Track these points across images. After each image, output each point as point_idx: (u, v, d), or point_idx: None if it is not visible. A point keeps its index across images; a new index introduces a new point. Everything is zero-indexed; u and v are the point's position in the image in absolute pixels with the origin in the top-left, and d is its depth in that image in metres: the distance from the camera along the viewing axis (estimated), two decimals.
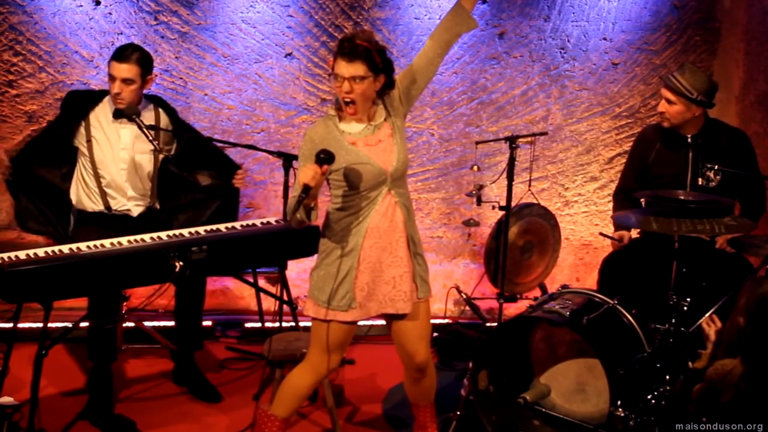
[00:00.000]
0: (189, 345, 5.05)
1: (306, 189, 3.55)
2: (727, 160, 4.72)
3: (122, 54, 4.75)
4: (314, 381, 3.93)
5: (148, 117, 4.84)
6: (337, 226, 3.76)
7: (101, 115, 4.87)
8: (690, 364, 4.07)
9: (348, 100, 3.66)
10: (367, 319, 5.76)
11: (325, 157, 3.57)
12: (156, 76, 4.91)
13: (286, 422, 4.00)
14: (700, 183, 4.73)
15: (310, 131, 3.75)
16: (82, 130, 4.86)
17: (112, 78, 4.75)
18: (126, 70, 4.72)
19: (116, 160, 4.85)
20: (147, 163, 4.90)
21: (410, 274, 3.81)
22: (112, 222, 4.85)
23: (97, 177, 4.85)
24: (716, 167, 4.69)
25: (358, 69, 3.59)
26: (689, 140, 4.77)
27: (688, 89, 4.64)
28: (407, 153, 3.79)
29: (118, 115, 4.76)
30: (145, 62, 4.79)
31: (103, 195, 4.85)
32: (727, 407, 3.36)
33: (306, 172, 3.55)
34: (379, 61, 3.62)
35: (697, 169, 4.75)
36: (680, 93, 4.66)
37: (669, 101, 4.71)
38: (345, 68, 3.60)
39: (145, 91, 4.90)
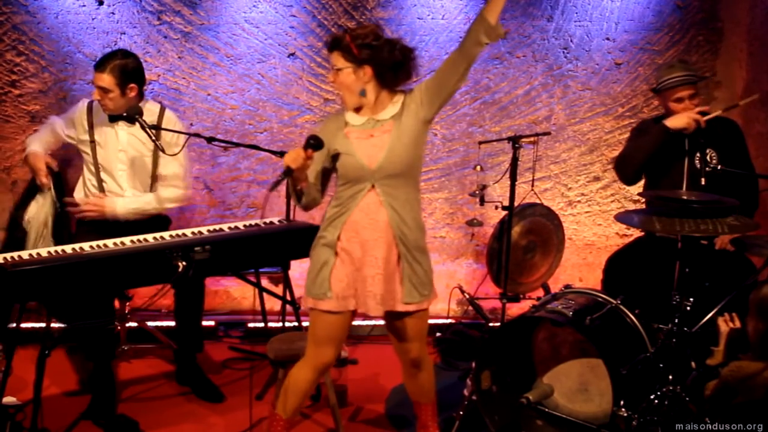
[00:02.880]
0: (189, 347, 5.05)
1: (287, 170, 3.58)
2: (723, 147, 4.76)
3: (101, 62, 4.76)
4: (312, 376, 3.90)
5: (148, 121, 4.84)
6: (327, 215, 3.82)
7: (99, 117, 4.91)
8: (693, 363, 4.07)
9: (335, 88, 3.81)
10: (370, 319, 5.81)
11: (313, 143, 3.61)
12: (136, 87, 4.81)
13: (290, 421, 3.99)
14: (698, 167, 4.75)
15: (326, 117, 3.94)
16: (85, 132, 4.89)
17: (94, 86, 4.79)
18: (101, 79, 4.72)
19: (115, 162, 4.88)
20: (147, 163, 4.91)
21: (384, 276, 3.74)
22: (109, 223, 4.86)
23: (99, 181, 4.88)
24: (712, 153, 4.73)
25: (335, 59, 3.71)
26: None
27: (697, 75, 4.79)
28: (410, 155, 3.70)
29: (114, 118, 4.82)
30: (123, 72, 4.74)
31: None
32: (739, 408, 3.35)
33: (290, 154, 3.59)
34: (357, 53, 3.64)
35: (694, 154, 4.77)
36: (696, 81, 4.79)
37: (693, 96, 4.79)
38: (330, 58, 3.76)
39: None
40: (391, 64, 3.68)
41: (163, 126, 4.87)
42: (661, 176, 4.85)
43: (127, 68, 4.76)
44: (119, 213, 4.84)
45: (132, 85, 4.78)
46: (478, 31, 3.55)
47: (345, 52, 3.66)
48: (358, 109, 3.77)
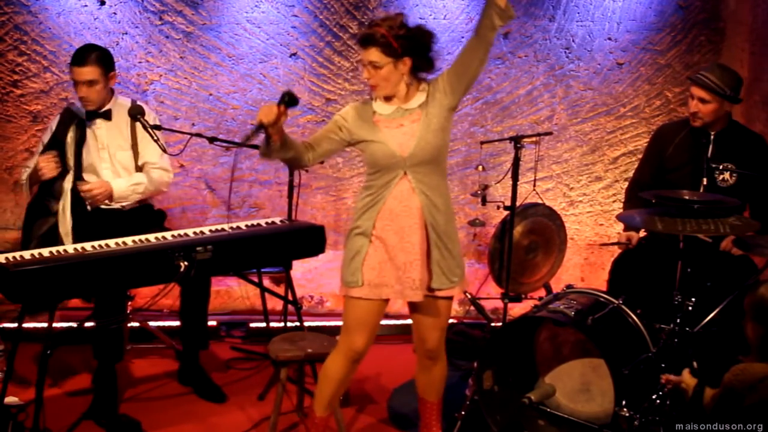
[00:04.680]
0: (195, 344, 5.05)
1: (259, 125, 3.63)
2: (745, 163, 4.72)
3: (81, 57, 4.75)
4: (343, 363, 3.92)
5: (120, 116, 4.87)
6: (360, 203, 3.85)
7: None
8: (695, 363, 4.05)
9: (371, 84, 3.76)
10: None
11: (287, 99, 3.66)
12: (115, 74, 4.90)
13: (328, 419, 4.04)
14: (715, 177, 4.73)
15: (352, 103, 3.92)
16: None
17: (75, 83, 4.77)
18: (85, 72, 4.72)
19: (98, 162, 4.89)
20: (128, 160, 4.92)
21: (422, 261, 3.78)
22: (104, 218, 4.87)
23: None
24: (731, 167, 4.70)
25: (372, 55, 3.67)
26: (712, 136, 4.76)
27: (721, 87, 4.66)
28: (439, 142, 3.74)
29: (91, 116, 4.83)
30: (104, 61, 4.79)
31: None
32: (747, 410, 3.31)
33: (263, 109, 3.64)
34: (396, 46, 3.65)
35: (710, 165, 4.74)
36: (714, 91, 4.67)
37: (703, 100, 4.71)
38: (363, 54, 3.71)
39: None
40: (426, 52, 3.73)
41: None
42: (678, 184, 4.81)
43: (105, 56, 4.82)
44: (116, 192, 4.82)
45: (112, 72, 4.85)
46: (491, 16, 3.58)
47: (383, 46, 3.65)
48: (386, 99, 3.80)
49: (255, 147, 5.14)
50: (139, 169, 4.96)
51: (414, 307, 3.95)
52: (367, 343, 3.92)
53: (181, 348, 5.18)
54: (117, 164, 4.91)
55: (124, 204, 4.92)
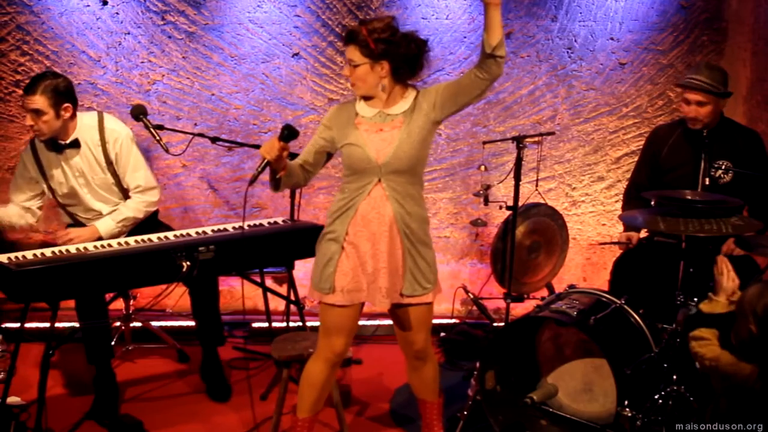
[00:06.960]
0: (212, 341, 5.03)
1: (264, 163, 3.61)
2: (740, 158, 4.73)
3: (31, 85, 4.59)
4: (324, 367, 3.90)
5: (90, 138, 4.78)
6: (333, 206, 3.81)
7: (44, 153, 4.78)
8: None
9: (351, 82, 3.75)
10: (374, 319, 5.81)
11: (287, 134, 3.62)
12: (70, 107, 4.66)
13: (312, 420, 4.00)
14: (712, 175, 4.72)
15: (334, 106, 3.90)
16: (37, 173, 4.82)
17: (26, 111, 4.62)
18: (33, 101, 4.54)
19: (78, 189, 4.82)
20: (107, 178, 4.83)
21: (389, 269, 3.76)
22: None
23: (70, 214, 4.91)
24: (726, 164, 4.69)
25: (351, 54, 3.67)
26: (705, 134, 4.76)
27: (714, 85, 4.66)
28: (417, 153, 3.69)
29: (59, 148, 4.73)
30: (56, 92, 4.57)
31: (81, 224, 4.88)
32: (735, 409, 3.33)
33: (265, 146, 3.61)
34: (374, 48, 3.61)
35: (710, 164, 4.74)
36: (710, 91, 4.67)
37: (701, 103, 4.70)
38: (346, 51, 3.71)
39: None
40: (407, 59, 3.67)
41: (107, 129, 4.77)
42: (675, 185, 4.82)
43: (59, 88, 4.59)
44: (105, 234, 4.71)
45: (66, 105, 4.63)
46: (488, 63, 3.51)
47: (362, 46, 3.63)
48: (368, 100, 3.77)
49: (257, 147, 5.17)
50: (124, 191, 4.87)
51: (395, 314, 3.92)
52: (347, 345, 3.92)
53: (182, 347, 5.18)
54: (96, 188, 4.82)
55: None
